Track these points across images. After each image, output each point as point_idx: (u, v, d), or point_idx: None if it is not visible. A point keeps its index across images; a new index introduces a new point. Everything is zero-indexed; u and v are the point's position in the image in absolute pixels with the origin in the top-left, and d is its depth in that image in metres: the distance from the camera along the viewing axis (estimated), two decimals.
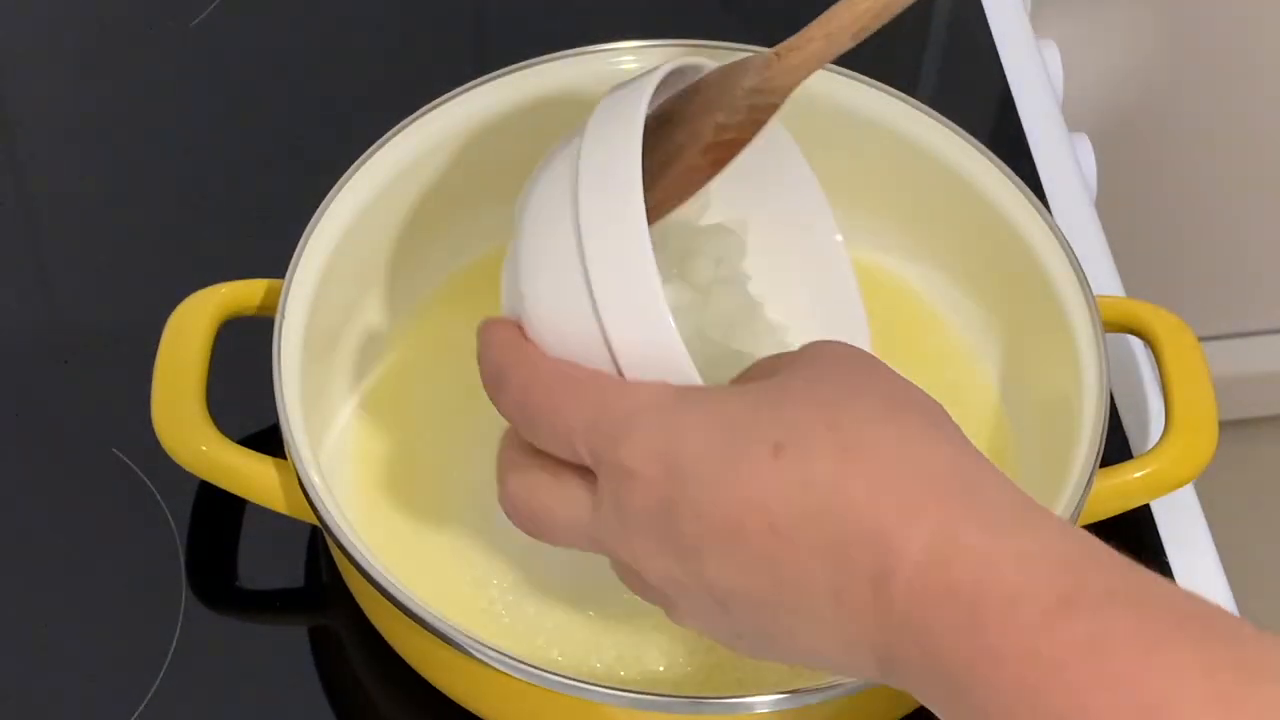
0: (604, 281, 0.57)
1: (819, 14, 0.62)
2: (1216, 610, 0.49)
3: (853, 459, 0.52)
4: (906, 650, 0.50)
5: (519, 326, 0.59)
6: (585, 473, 0.57)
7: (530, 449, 0.58)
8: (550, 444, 0.57)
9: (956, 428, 0.55)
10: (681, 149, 0.62)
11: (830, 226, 0.70)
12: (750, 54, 0.63)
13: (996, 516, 0.51)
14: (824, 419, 0.53)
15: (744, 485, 0.52)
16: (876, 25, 0.61)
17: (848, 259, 0.70)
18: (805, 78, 0.62)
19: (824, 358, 0.56)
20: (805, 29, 0.62)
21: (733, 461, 0.53)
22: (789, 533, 0.52)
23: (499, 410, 0.59)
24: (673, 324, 0.56)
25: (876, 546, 0.51)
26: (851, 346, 0.57)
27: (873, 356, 0.57)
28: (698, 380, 0.56)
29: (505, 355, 0.59)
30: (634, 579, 0.57)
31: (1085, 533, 0.51)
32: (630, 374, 0.57)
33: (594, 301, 0.57)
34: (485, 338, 0.60)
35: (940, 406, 0.55)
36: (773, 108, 0.63)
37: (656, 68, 0.61)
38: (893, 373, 0.56)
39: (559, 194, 0.59)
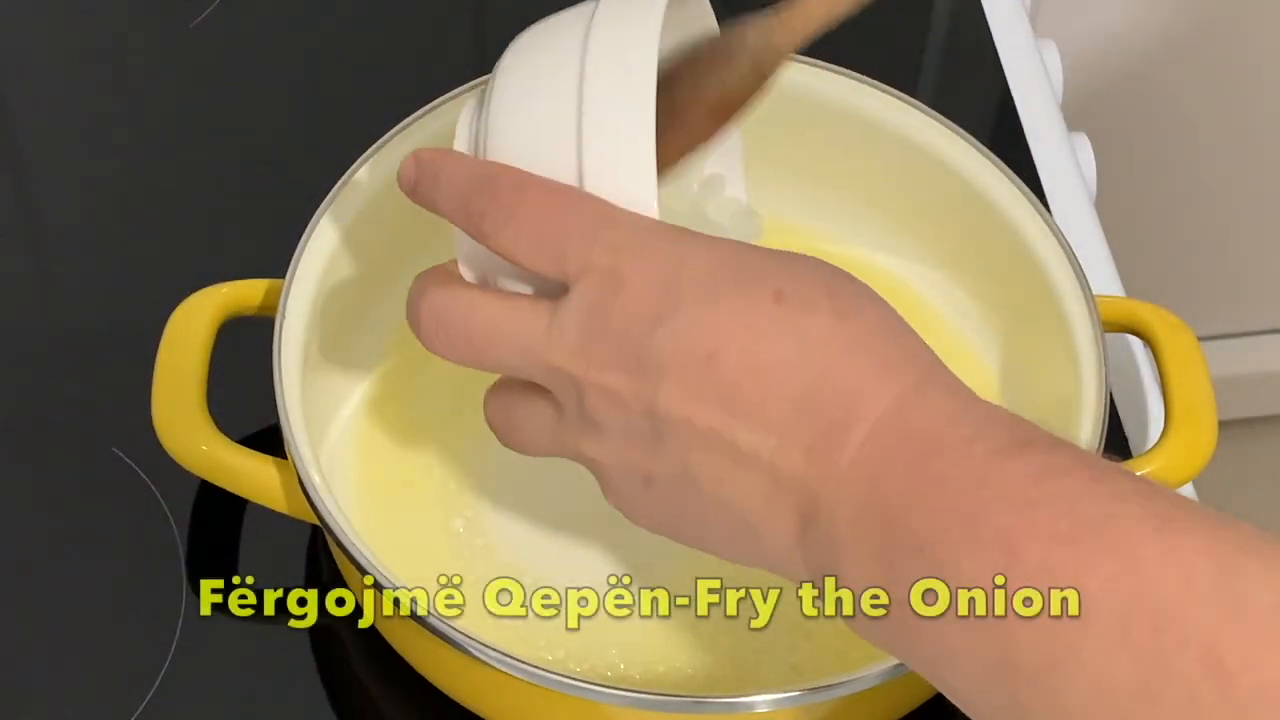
0: (597, 131, 0.57)
1: None
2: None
3: (846, 323, 0.54)
4: (839, 497, 0.51)
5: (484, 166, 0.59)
6: (541, 299, 0.57)
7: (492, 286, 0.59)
8: (529, 248, 0.56)
9: None
10: (683, 108, 0.63)
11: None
12: (749, 18, 0.63)
13: (963, 390, 0.54)
14: (824, 286, 0.54)
15: (737, 318, 0.53)
16: None
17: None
18: (807, 39, 0.63)
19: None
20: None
21: (732, 295, 0.54)
22: (763, 372, 0.53)
23: (471, 222, 0.58)
24: (655, 183, 0.56)
25: (846, 400, 0.52)
26: None
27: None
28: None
29: (488, 166, 0.58)
30: (569, 394, 0.56)
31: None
32: None
33: (580, 150, 0.57)
34: (449, 157, 0.59)
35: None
36: (774, 66, 0.63)
37: None
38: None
39: (566, 34, 0.58)
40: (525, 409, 0.59)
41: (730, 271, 0.54)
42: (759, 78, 0.63)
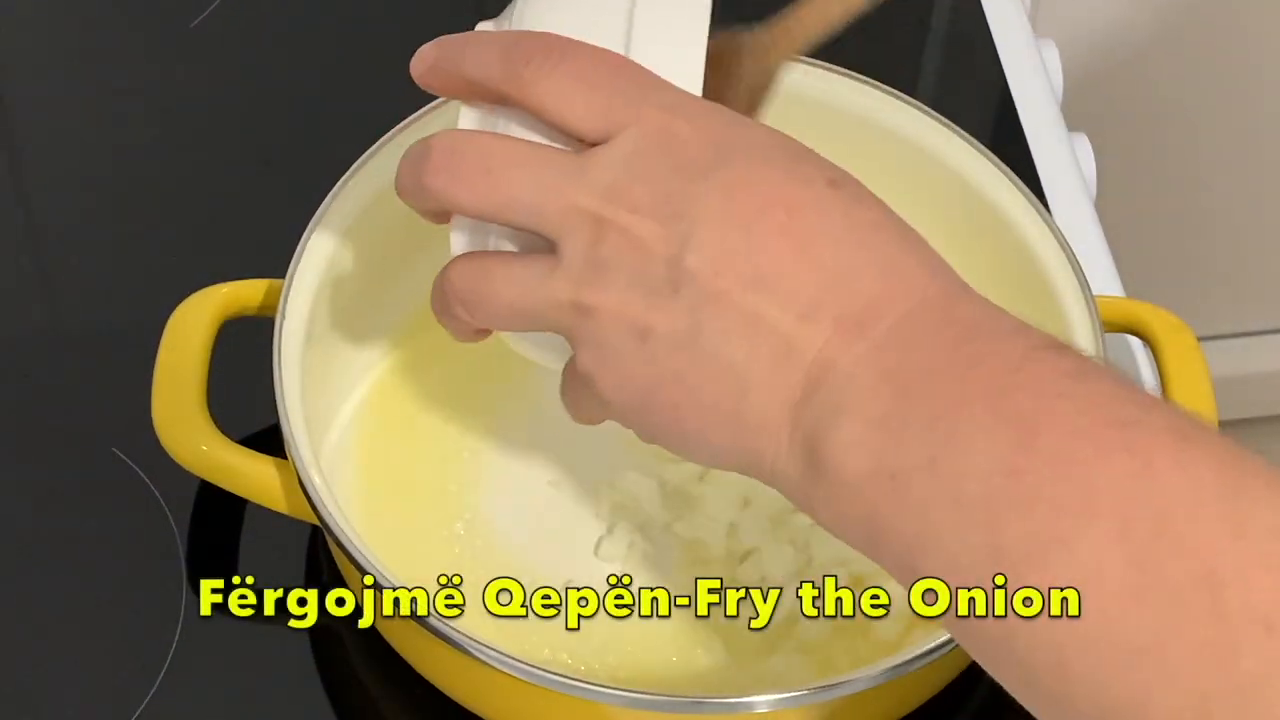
0: (649, 13, 0.56)
1: None
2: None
3: (892, 220, 0.54)
4: (860, 365, 0.50)
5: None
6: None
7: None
8: (574, 98, 0.54)
9: None
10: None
11: None
12: (733, 36, 0.63)
13: (993, 304, 0.53)
14: (874, 195, 0.54)
15: (790, 187, 0.52)
16: (865, 9, 0.63)
17: None
18: (802, 51, 0.63)
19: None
20: (796, 10, 0.63)
21: (788, 169, 0.53)
22: (806, 240, 0.52)
23: (510, 73, 0.55)
24: (703, 68, 0.55)
25: (886, 280, 0.52)
26: None
27: None
28: None
29: (530, 35, 0.56)
30: (581, 237, 0.54)
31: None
32: None
33: (630, 26, 0.56)
34: (476, 34, 0.58)
35: None
36: (766, 88, 0.64)
37: None
38: None
39: None
40: (509, 267, 0.55)
41: (788, 150, 0.54)
42: (758, 94, 0.63)
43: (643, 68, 0.55)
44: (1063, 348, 0.51)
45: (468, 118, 0.58)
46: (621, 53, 0.56)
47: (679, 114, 0.54)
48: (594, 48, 0.55)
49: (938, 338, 0.51)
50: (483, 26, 0.60)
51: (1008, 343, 0.50)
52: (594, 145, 0.54)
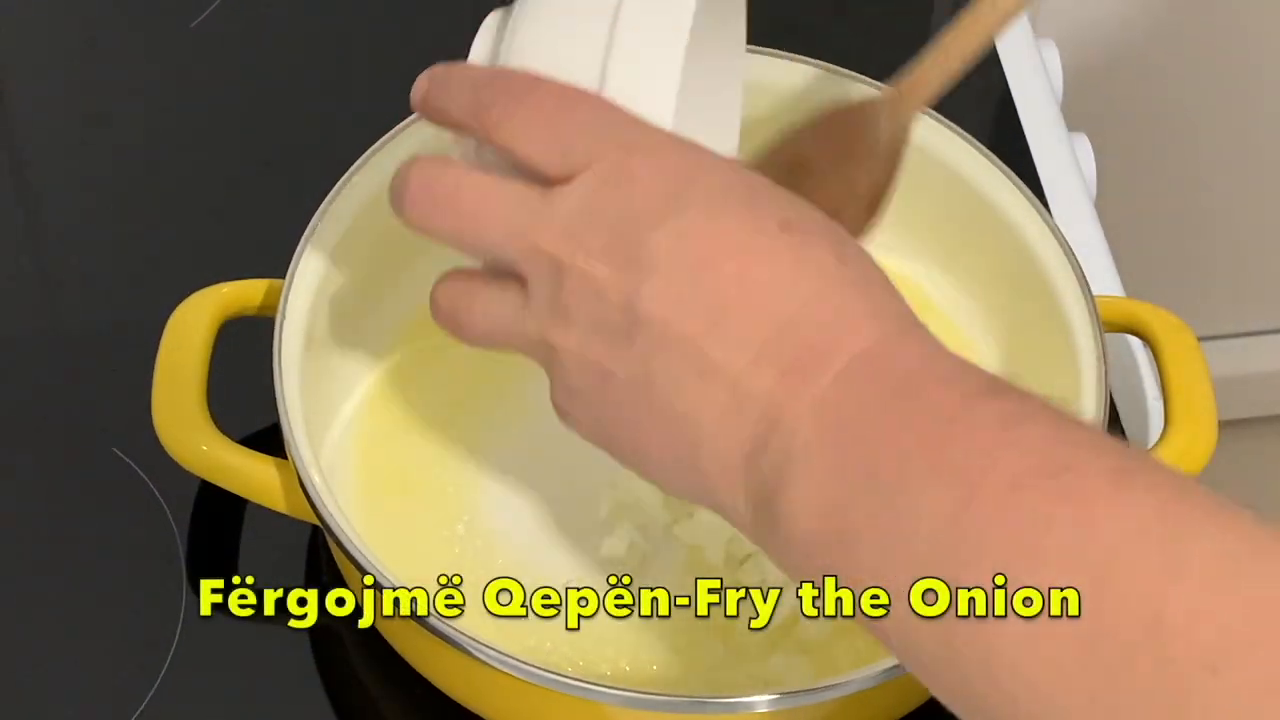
0: (626, 44, 0.56)
1: (818, 18, 0.63)
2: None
3: (845, 265, 0.54)
4: (802, 420, 0.51)
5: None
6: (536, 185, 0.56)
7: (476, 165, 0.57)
8: (536, 139, 0.55)
9: None
10: (841, 204, 0.64)
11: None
12: (860, 97, 0.67)
13: (942, 345, 0.54)
14: (829, 231, 0.55)
15: (741, 234, 0.53)
16: (982, 52, 0.64)
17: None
18: (929, 105, 0.66)
19: None
20: (921, 66, 0.65)
21: (740, 211, 0.53)
22: (754, 289, 0.53)
23: (479, 115, 0.57)
24: (675, 100, 0.56)
25: (830, 331, 0.52)
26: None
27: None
28: None
29: (502, 68, 0.58)
30: (545, 278, 0.55)
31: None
32: None
33: (606, 58, 0.56)
34: (461, 65, 0.59)
35: None
36: (904, 148, 0.66)
37: None
38: None
39: None
40: (487, 294, 0.57)
41: (742, 191, 0.54)
42: (896, 162, 0.65)
43: (607, 104, 0.56)
44: (999, 390, 0.51)
45: (457, 148, 0.59)
46: (595, 85, 0.56)
47: (637, 153, 0.54)
48: (560, 86, 0.56)
49: (876, 388, 0.51)
50: (490, 22, 0.61)
51: (943, 391, 0.51)
52: (559, 182, 0.55)
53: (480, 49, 0.60)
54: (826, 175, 0.65)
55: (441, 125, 0.59)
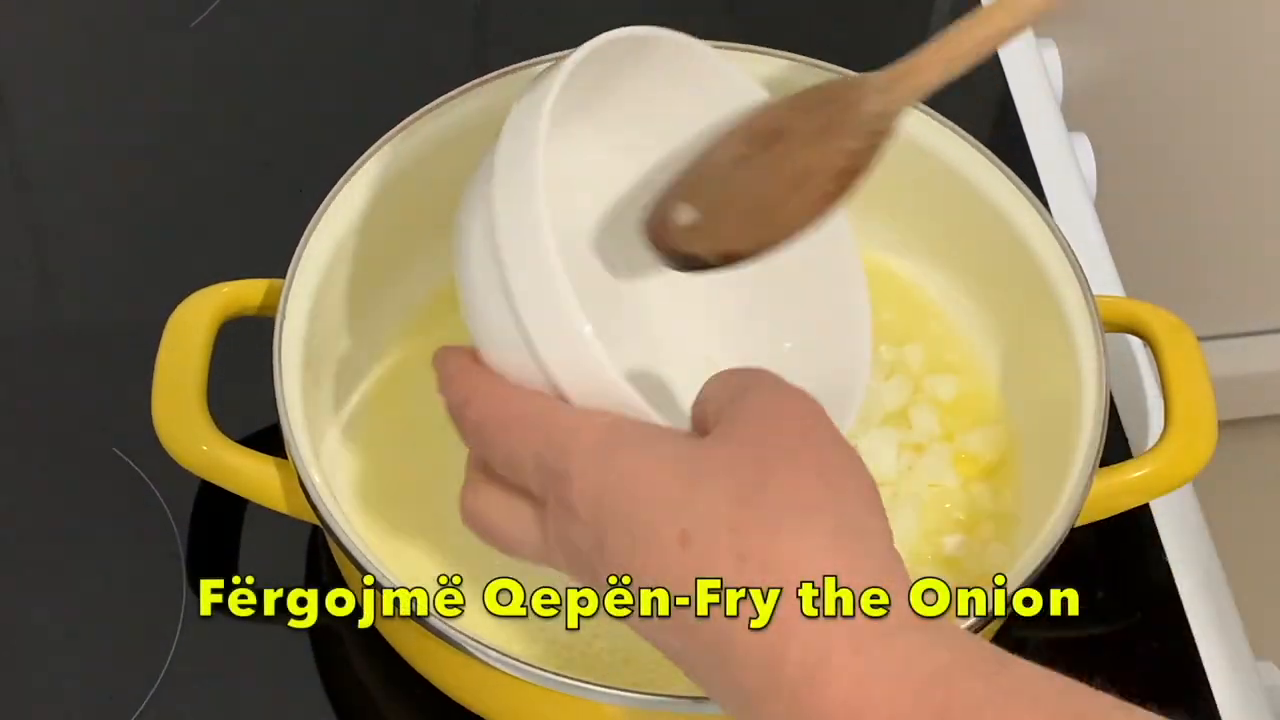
0: (532, 320, 0.57)
1: (818, 18, 0.62)
2: (1086, 695, 0.49)
3: (747, 569, 0.51)
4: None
5: (473, 354, 0.60)
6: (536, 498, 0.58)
7: (488, 469, 0.59)
8: (506, 472, 0.58)
9: (877, 502, 0.54)
10: (811, 173, 0.63)
11: (850, 246, 0.69)
12: (851, 75, 0.64)
13: (876, 630, 0.51)
14: (729, 518, 0.52)
15: (653, 564, 0.53)
16: (990, 52, 0.63)
17: (864, 287, 0.70)
18: (923, 98, 0.64)
19: (765, 419, 0.55)
20: (921, 52, 0.63)
21: (645, 538, 0.53)
22: (682, 625, 0.52)
23: (461, 437, 0.60)
24: (606, 361, 0.56)
25: (756, 663, 0.51)
26: (799, 402, 0.56)
27: (817, 416, 0.56)
28: (641, 406, 0.56)
29: (463, 384, 0.60)
30: (561, 566, 0.58)
31: (962, 635, 0.51)
32: (579, 401, 0.57)
33: (527, 338, 0.57)
34: (443, 369, 0.61)
35: (868, 479, 0.55)
36: (890, 132, 0.64)
37: (557, 65, 0.59)
38: (831, 438, 0.55)
39: (479, 230, 0.58)
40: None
41: (645, 500, 0.54)
42: (880, 140, 0.63)
43: (534, 425, 0.57)
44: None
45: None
46: (527, 357, 0.57)
47: (562, 484, 0.55)
48: (498, 419, 0.58)
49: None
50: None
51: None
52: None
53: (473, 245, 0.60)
54: (803, 144, 0.63)
55: None
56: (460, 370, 0.60)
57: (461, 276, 0.59)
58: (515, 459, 0.57)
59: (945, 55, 0.63)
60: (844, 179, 0.63)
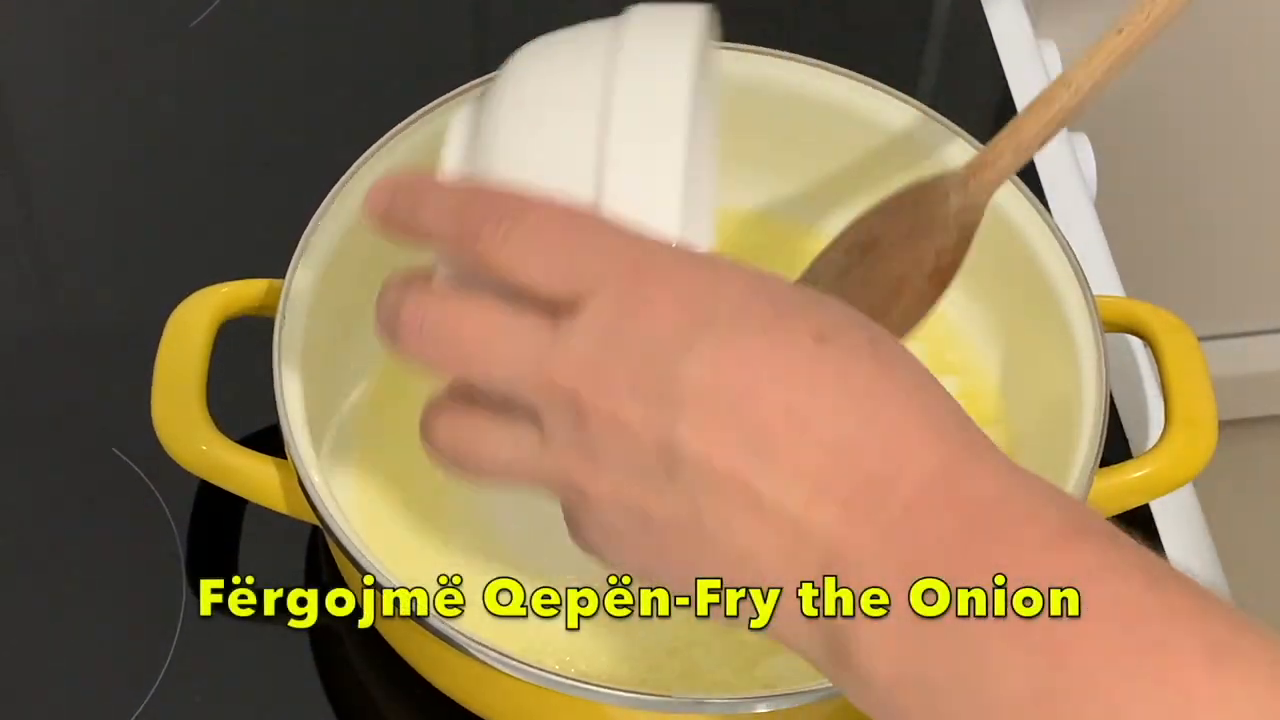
0: (621, 156, 0.52)
1: (817, 19, 0.62)
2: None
3: (891, 374, 0.49)
4: (872, 563, 0.47)
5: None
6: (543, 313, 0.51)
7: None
8: (536, 264, 0.50)
9: None
10: (906, 278, 0.65)
11: None
12: (928, 178, 0.67)
13: (1008, 460, 0.49)
14: (865, 333, 0.50)
15: (776, 354, 0.49)
16: (1058, 130, 0.66)
17: None
18: (999, 186, 0.67)
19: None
20: (993, 143, 0.67)
21: (771, 329, 0.49)
22: (799, 414, 0.48)
23: (466, 238, 0.51)
24: (681, 210, 0.52)
25: (888, 453, 0.48)
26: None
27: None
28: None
29: (485, 183, 0.53)
30: (564, 416, 0.51)
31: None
32: None
33: (600, 170, 0.52)
34: (434, 179, 0.54)
35: None
36: (976, 224, 0.66)
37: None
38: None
39: (588, 54, 0.54)
40: (497, 434, 0.53)
41: (767, 304, 0.50)
42: (967, 237, 0.66)
43: (606, 221, 0.52)
44: (1084, 529, 0.47)
45: (439, 267, 0.54)
46: (590, 197, 0.52)
47: (649, 275, 0.50)
48: (553, 205, 0.52)
49: (949, 523, 0.47)
50: (460, 119, 0.57)
51: (1019, 538, 0.47)
52: (566, 310, 0.51)
53: (453, 154, 0.56)
54: (895, 249, 0.66)
55: (412, 242, 0.54)
56: (472, 184, 0.53)
57: (516, 107, 0.54)
58: (568, 249, 0.50)
59: (1015, 143, 0.67)
60: (937, 278, 0.66)
